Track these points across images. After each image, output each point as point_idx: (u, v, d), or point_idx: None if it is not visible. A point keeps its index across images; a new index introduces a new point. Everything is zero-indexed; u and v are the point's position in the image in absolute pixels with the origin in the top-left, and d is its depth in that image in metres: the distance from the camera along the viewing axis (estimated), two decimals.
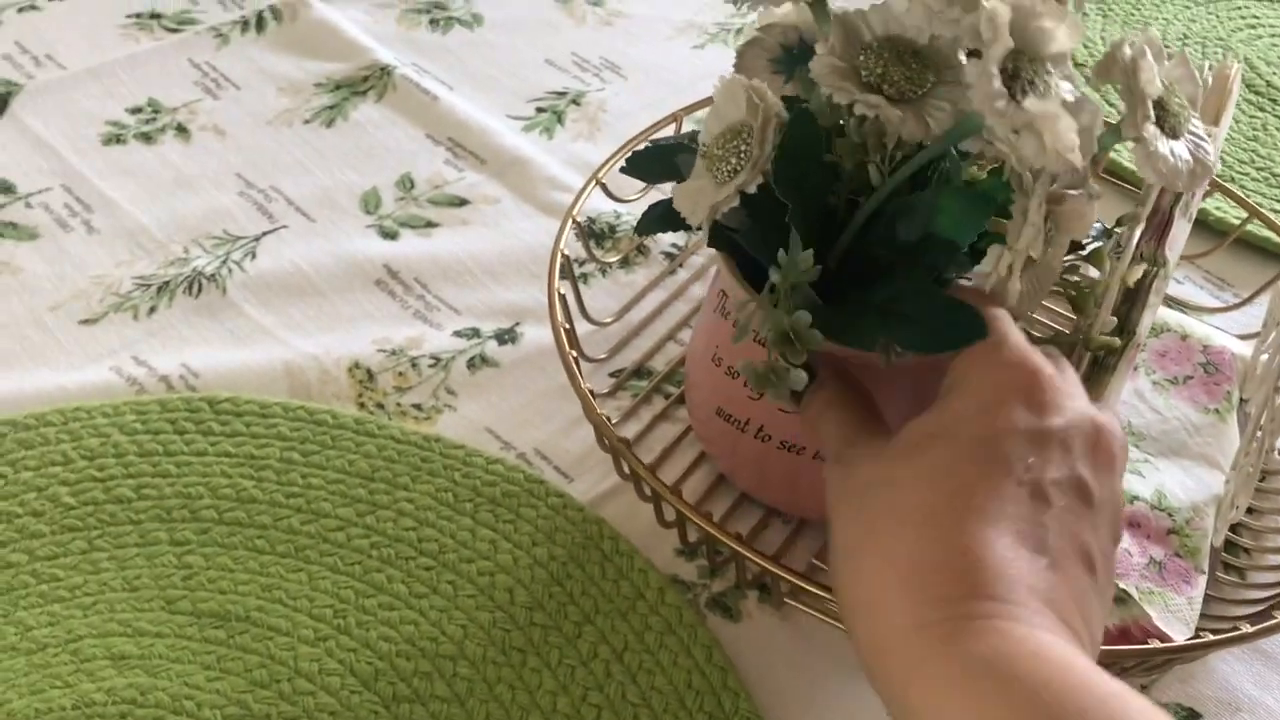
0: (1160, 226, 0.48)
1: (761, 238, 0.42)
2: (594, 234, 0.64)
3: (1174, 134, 0.41)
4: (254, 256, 0.60)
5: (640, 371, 0.57)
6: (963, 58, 0.40)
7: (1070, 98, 0.38)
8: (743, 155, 0.40)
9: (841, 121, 0.42)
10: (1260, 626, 0.44)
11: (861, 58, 0.39)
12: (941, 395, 0.37)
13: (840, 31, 0.40)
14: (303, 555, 0.47)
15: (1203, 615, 0.49)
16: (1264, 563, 0.52)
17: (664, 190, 0.52)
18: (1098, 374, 0.45)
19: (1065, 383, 0.37)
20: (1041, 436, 0.35)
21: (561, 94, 0.73)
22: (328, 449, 0.51)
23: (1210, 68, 0.52)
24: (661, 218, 0.44)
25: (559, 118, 0.71)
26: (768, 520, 0.51)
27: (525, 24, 0.78)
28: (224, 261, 0.60)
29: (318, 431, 0.52)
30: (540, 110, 0.72)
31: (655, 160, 0.48)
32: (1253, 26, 0.85)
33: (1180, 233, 0.50)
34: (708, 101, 0.65)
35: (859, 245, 0.43)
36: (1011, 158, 0.37)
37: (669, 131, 0.61)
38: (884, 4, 0.40)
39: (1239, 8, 0.86)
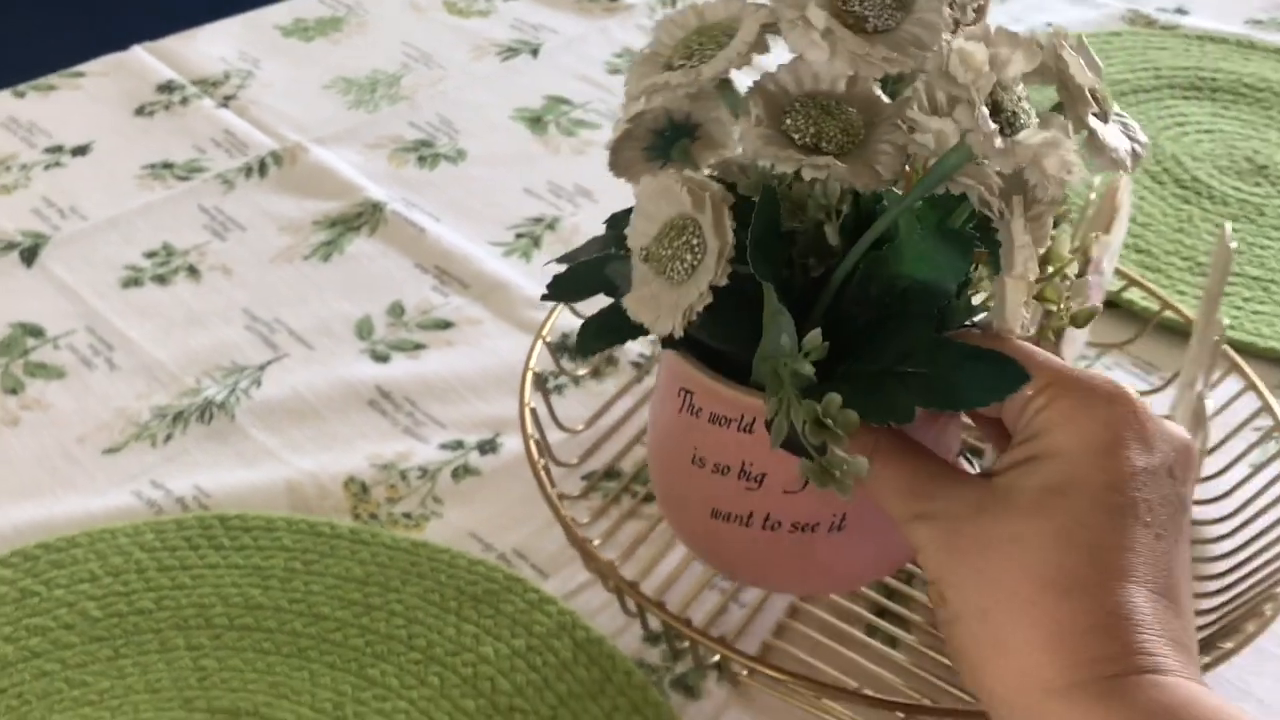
0: None
1: (724, 326, 0.40)
2: (567, 348, 0.70)
3: (1105, 119, 0.40)
4: (259, 384, 0.67)
5: (610, 473, 0.63)
6: (880, 94, 0.40)
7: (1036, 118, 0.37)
8: (696, 250, 0.38)
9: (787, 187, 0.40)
10: None
11: (789, 121, 0.38)
12: (1036, 437, 0.36)
13: (761, 100, 0.39)
14: (305, 655, 0.53)
15: None
16: None
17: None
18: None
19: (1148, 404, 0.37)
20: (1157, 473, 0.35)
21: (538, 220, 0.80)
22: (326, 557, 0.57)
23: (1099, 182, 0.59)
24: (599, 332, 0.43)
25: (536, 242, 0.78)
26: (727, 604, 0.56)
27: (504, 157, 0.86)
28: (232, 390, 0.66)
29: (317, 542, 0.57)
30: (519, 236, 0.79)
31: (582, 277, 0.45)
32: (1180, 124, 0.91)
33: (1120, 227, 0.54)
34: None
35: (831, 312, 0.41)
36: (979, 188, 0.37)
37: None
38: (795, 61, 0.39)
39: (1167, 106, 0.93)
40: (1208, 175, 0.86)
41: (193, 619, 0.54)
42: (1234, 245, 0.54)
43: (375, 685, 0.52)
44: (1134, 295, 0.73)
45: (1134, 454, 0.35)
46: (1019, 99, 0.37)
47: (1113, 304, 0.72)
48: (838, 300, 0.40)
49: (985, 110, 0.35)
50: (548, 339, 0.63)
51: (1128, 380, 0.70)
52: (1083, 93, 0.38)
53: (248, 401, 0.66)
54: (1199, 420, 0.55)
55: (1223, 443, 0.62)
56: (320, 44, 0.97)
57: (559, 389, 0.68)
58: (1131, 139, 0.39)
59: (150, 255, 0.75)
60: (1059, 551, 0.34)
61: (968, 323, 0.42)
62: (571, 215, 0.81)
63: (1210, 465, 0.62)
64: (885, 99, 0.40)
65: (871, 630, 0.56)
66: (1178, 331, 0.73)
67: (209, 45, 0.95)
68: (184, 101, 0.89)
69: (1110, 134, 0.39)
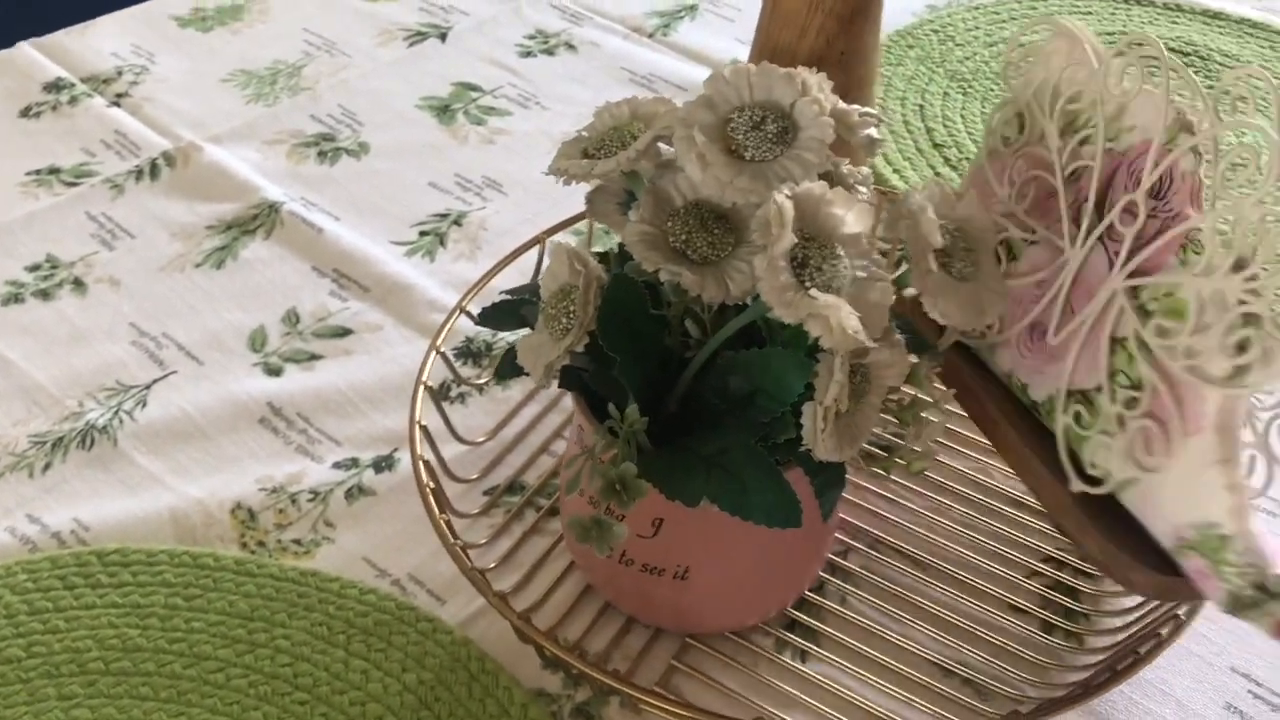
0: None
1: (607, 381, 0.45)
2: (472, 353, 0.67)
3: (961, 277, 0.44)
4: (144, 405, 0.64)
5: (514, 487, 0.60)
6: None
7: (863, 274, 0.41)
8: (571, 315, 0.43)
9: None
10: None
11: (669, 224, 0.43)
12: None
13: (650, 200, 0.43)
14: (184, 699, 0.50)
15: (1038, 683, 0.52)
16: (1101, 626, 0.55)
17: None
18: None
19: None
20: None
21: (444, 215, 0.77)
22: (210, 592, 0.54)
23: None
24: (515, 363, 0.47)
25: (441, 240, 0.75)
26: (630, 626, 0.54)
27: (410, 149, 0.82)
28: (115, 413, 0.63)
29: (200, 575, 0.55)
30: (423, 234, 0.76)
31: (506, 312, 0.52)
32: None
33: None
34: (572, 221, 0.70)
35: (696, 391, 0.46)
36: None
37: (534, 254, 0.65)
38: (685, 172, 0.43)
39: None
40: None
41: (65, 665, 0.51)
42: None
43: None
44: None
45: None
46: (834, 257, 0.39)
47: None
48: (702, 384, 0.45)
49: (782, 264, 0.38)
50: (443, 349, 0.60)
51: None
52: (926, 252, 0.42)
53: (131, 424, 0.62)
54: None
55: None
56: (220, 34, 0.93)
57: (462, 398, 0.65)
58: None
59: (33, 269, 0.72)
60: None
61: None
62: (479, 209, 0.78)
63: None
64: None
65: (781, 645, 0.54)
66: None
67: (101, 40, 0.91)
68: (73, 101, 0.85)
69: (959, 289, 0.43)
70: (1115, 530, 0.44)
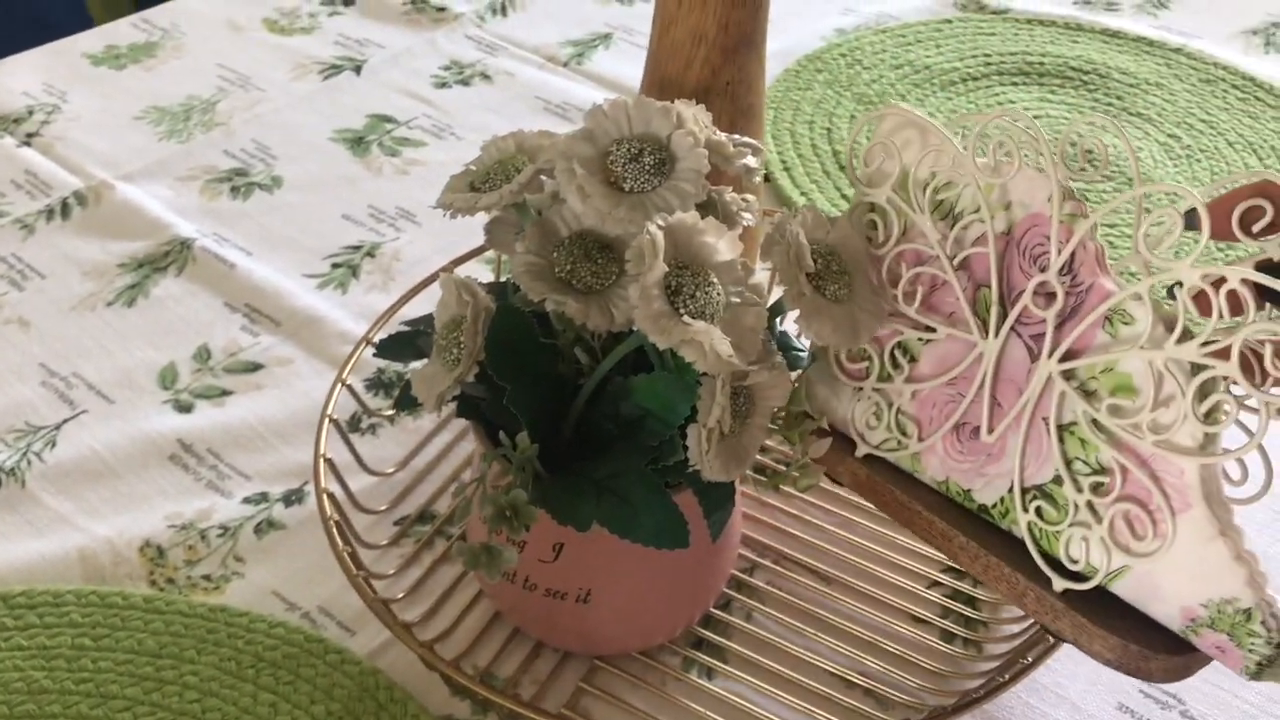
0: None
1: (501, 409, 0.45)
2: (383, 384, 0.68)
3: (835, 299, 0.45)
4: (54, 445, 0.63)
5: (424, 516, 0.61)
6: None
7: (737, 300, 0.41)
8: (461, 346, 0.44)
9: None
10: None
11: (555, 254, 0.43)
12: None
13: (536, 231, 0.44)
14: None
15: (937, 691, 0.53)
16: (999, 634, 0.57)
17: None
18: None
19: None
20: None
21: (357, 247, 0.78)
22: (118, 631, 0.54)
23: None
24: (414, 396, 0.47)
25: (354, 271, 0.76)
26: (539, 650, 0.55)
27: (323, 181, 0.83)
28: (24, 454, 0.63)
29: (108, 615, 0.55)
30: (335, 266, 0.76)
31: (403, 344, 0.53)
32: None
33: None
34: (479, 251, 0.70)
35: (590, 417, 0.46)
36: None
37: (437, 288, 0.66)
38: (569, 204, 0.43)
39: (995, 94, 0.93)
40: None
41: None
42: None
43: None
44: None
45: None
46: (707, 284, 0.40)
47: None
48: (595, 409, 0.46)
49: (656, 291, 0.39)
50: (350, 381, 0.61)
51: None
52: (798, 277, 0.43)
53: (40, 465, 0.62)
54: None
55: None
56: (133, 71, 0.93)
57: (373, 429, 0.65)
58: (859, 317, 0.45)
59: None
60: None
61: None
62: (393, 240, 0.78)
63: None
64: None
65: (688, 663, 0.55)
66: None
67: (11, 78, 0.91)
68: None
69: (832, 311, 0.44)
70: (1109, 620, 0.42)
